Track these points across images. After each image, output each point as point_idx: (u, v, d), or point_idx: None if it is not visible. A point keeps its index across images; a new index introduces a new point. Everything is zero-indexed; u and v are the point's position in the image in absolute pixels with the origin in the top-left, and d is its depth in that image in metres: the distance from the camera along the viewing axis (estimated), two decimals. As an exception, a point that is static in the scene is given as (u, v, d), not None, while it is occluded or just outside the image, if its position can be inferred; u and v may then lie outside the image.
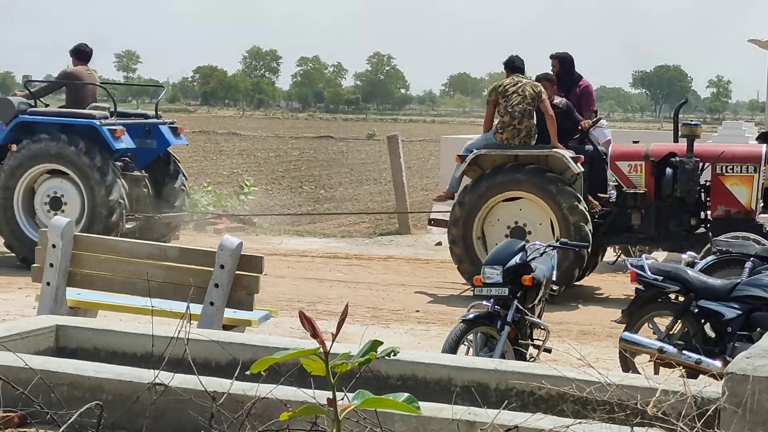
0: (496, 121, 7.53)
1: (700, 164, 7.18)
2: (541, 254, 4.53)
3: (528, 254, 4.40)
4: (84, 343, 4.01)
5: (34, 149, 7.90)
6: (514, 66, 7.59)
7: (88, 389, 2.96)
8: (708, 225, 7.40)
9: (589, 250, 6.93)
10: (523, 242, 4.63)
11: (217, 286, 4.13)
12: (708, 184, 7.34)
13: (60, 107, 8.81)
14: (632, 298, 4.96)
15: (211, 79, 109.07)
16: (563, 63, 8.08)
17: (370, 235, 11.48)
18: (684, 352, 4.40)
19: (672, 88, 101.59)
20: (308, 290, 7.73)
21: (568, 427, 2.42)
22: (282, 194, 17.42)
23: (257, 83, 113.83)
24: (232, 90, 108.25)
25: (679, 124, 7.70)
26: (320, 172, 23.79)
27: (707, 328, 4.67)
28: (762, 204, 7.51)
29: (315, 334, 1.31)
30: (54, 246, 4.31)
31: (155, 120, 8.75)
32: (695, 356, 4.35)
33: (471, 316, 4.21)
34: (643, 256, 5.33)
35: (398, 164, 11.41)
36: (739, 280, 4.68)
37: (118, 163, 8.13)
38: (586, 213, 7.05)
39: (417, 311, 7.02)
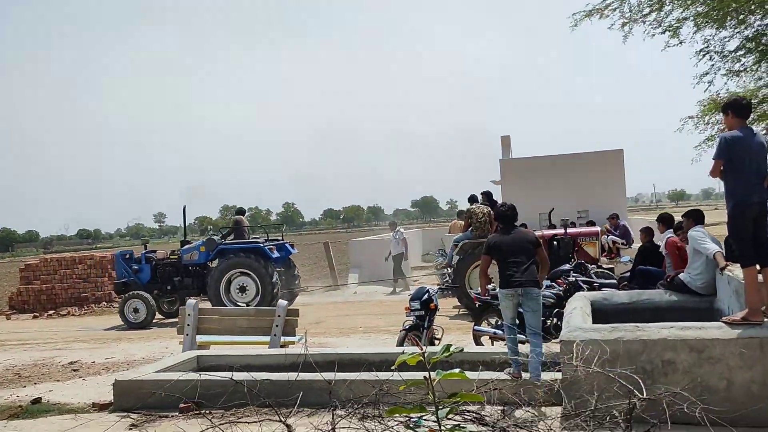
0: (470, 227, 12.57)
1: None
2: (435, 292, 8.34)
3: (431, 294, 8.15)
4: (212, 363, 7.83)
5: (227, 263, 14.14)
6: (474, 199, 12.99)
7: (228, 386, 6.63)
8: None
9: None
10: (428, 287, 8.41)
11: (277, 326, 8.02)
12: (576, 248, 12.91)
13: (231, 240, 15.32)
14: (478, 308, 8.84)
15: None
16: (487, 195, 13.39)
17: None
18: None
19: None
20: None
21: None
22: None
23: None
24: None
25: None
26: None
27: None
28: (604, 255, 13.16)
29: (417, 344, 4.73)
30: (189, 315, 8.27)
31: (283, 241, 15.55)
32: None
33: (407, 326, 7.99)
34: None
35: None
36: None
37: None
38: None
39: (360, 328, 11.22)
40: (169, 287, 14.89)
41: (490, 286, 7.00)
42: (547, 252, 11.41)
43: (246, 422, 5.40)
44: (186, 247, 15.25)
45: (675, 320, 6.38)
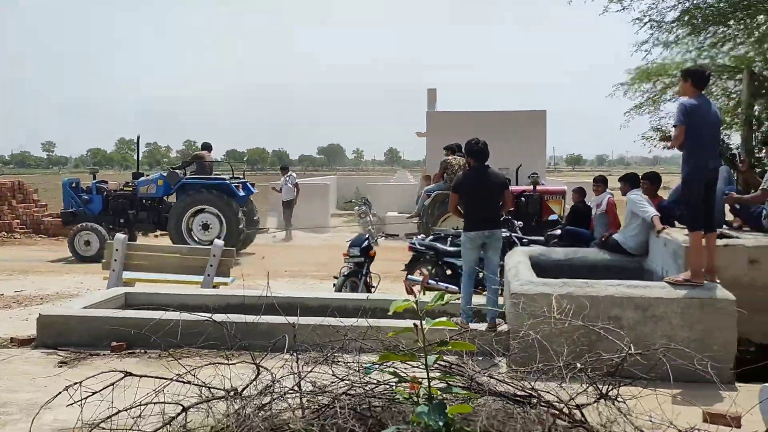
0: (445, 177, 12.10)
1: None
2: (374, 240, 8.30)
3: (370, 240, 8.10)
4: (142, 301, 7.45)
5: (190, 199, 13.51)
6: (452, 148, 12.17)
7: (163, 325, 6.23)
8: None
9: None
10: (367, 235, 8.36)
11: (211, 266, 7.72)
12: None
13: (192, 173, 14.37)
14: (411, 258, 8.91)
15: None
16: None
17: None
18: (439, 283, 8.39)
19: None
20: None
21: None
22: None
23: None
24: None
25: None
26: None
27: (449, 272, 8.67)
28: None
29: (411, 291, 4.48)
30: (117, 250, 7.81)
31: (244, 180, 14.76)
32: (444, 285, 8.30)
33: (346, 272, 7.92)
34: (419, 236, 9.47)
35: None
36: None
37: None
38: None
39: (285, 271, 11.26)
40: (122, 220, 14.16)
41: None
42: (514, 208, 11.62)
43: (197, 363, 5.15)
44: (142, 179, 14.45)
45: (608, 278, 6.65)
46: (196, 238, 13.53)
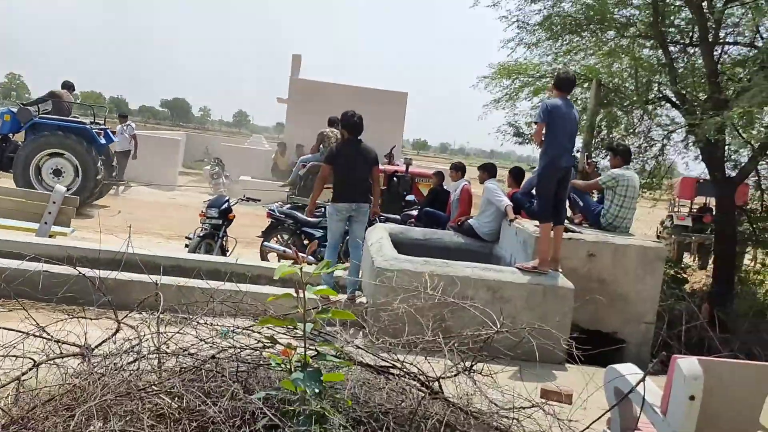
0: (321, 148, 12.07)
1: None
2: (235, 203, 8.14)
3: (230, 203, 7.90)
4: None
5: (43, 140, 12.06)
6: (333, 122, 12.02)
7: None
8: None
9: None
10: (227, 197, 8.13)
11: (50, 213, 7.07)
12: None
13: (44, 112, 12.59)
14: (268, 224, 8.90)
15: None
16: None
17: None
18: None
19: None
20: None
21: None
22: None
23: None
24: None
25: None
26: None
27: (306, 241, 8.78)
28: None
29: (296, 259, 4.34)
30: (-63, 186, 6.90)
31: (105, 126, 13.44)
32: (301, 255, 8.35)
33: (202, 233, 7.64)
34: (275, 203, 9.52)
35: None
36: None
37: None
38: None
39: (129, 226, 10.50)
40: None
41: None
42: (386, 187, 11.67)
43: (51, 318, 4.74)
44: None
45: (460, 259, 7.01)
46: (46, 184, 12.04)
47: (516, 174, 8.07)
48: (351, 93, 18.04)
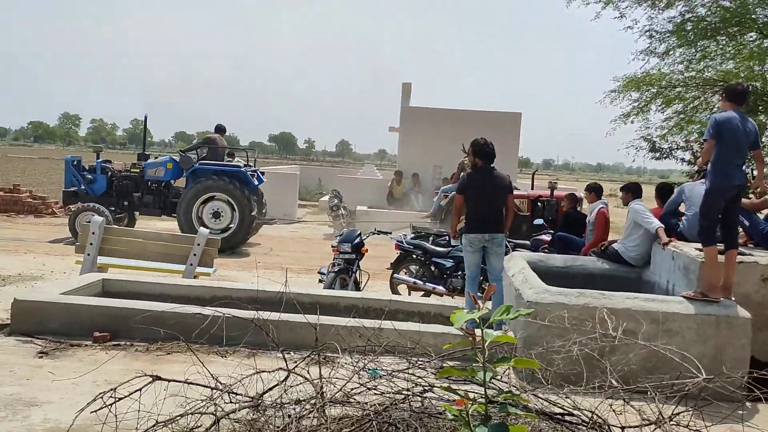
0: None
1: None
2: (366, 236, 8.09)
3: (362, 237, 7.84)
4: (120, 289, 7.00)
5: (203, 185, 12.76)
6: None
7: (149, 317, 5.50)
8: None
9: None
10: (359, 230, 8.08)
11: (195, 255, 7.29)
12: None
13: (201, 157, 13.47)
14: (397, 256, 8.78)
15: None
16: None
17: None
18: (426, 283, 8.28)
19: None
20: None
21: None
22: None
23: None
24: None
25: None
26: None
27: (436, 272, 8.57)
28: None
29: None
30: (93, 233, 7.30)
31: (255, 168, 14.10)
32: (431, 285, 8.22)
33: (336, 269, 7.62)
34: (400, 233, 9.38)
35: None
36: (454, 246, 8.46)
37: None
38: None
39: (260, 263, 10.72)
40: (126, 203, 13.36)
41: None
42: (530, 213, 11.40)
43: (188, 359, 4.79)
44: (150, 161, 13.65)
45: (606, 287, 6.57)
46: (206, 226, 12.75)
47: (662, 192, 7.53)
48: (462, 117, 17.87)
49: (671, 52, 10.32)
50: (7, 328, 5.74)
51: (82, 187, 13.25)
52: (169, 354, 5.50)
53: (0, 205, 16.55)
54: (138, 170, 13.60)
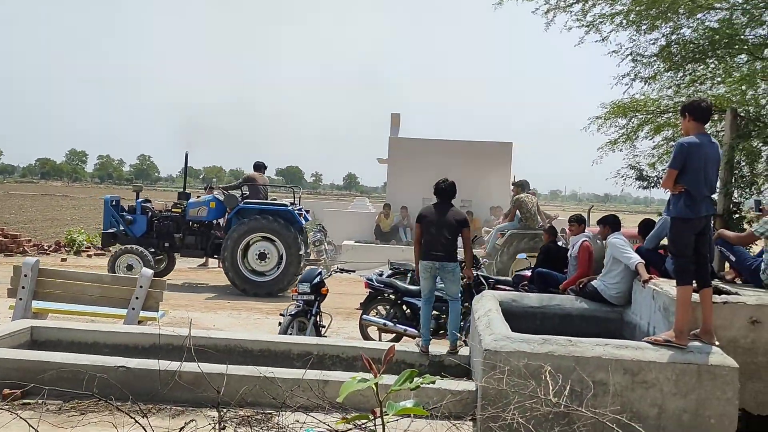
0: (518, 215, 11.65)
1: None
2: (327, 276, 7.52)
3: (322, 276, 7.25)
4: (50, 337, 6.39)
5: (248, 225, 12.15)
6: (522, 185, 11.93)
7: (67, 372, 4.93)
8: None
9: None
10: (320, 269, 7.50)
11: (137, 298, 6.71)
12: None
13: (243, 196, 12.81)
14: (367, 295, 8.24)
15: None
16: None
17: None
18: (397, 324, 7.69)
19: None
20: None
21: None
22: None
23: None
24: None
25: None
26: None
27: (408, 313, 8.03)
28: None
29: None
30: (26, 276, 6.74)
31: (300, 206, 13.20)
32: (402, 327, 7.67)
33: (293, 311, 7.01)
34: (373, 272, 8.87)
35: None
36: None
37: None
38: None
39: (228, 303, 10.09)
40: (167, 244, 12.80)
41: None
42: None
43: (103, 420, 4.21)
44: (192, 200, 13.03)
45: (586, 329, 5.94)
46: (251, 268, 12.33)
47: (645, 228, 6.93)
48: (451, 148, 17.39)
49: (658, 77, 9.79)
50: None
51: (121, 228, 12.65)
52: (83, 414, 4.89)
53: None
54: (179, 210, 12.94)
